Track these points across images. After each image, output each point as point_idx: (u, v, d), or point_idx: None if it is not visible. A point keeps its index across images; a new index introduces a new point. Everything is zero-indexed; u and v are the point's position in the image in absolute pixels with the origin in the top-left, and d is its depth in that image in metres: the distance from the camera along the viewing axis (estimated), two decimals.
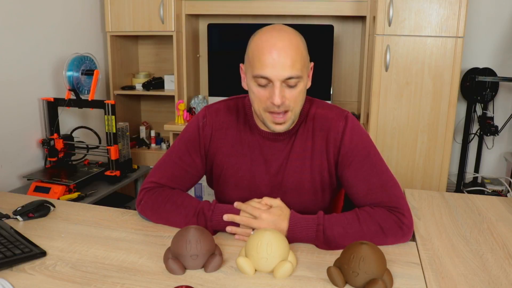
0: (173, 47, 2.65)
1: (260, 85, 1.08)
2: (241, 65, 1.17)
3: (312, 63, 1.17)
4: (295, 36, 1.08)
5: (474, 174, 2.86)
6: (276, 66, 1.03)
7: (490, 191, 2.67)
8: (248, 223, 1.10)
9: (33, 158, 2.14)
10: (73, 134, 2.24)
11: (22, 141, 2.07)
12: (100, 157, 2.25)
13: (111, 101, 2.04)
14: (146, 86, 2.81)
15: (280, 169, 1.22)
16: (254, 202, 1.14)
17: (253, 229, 1.10)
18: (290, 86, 1.07)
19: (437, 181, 2.42)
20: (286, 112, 1.09)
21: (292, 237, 1.08)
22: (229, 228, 1.12)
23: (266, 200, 1.13)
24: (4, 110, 1.96)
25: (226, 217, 1.12)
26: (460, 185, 2.65)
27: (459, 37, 2.24)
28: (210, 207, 1.14)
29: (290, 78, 1.05)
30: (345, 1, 2.54)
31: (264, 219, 1.09)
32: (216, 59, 2.74)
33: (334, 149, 1.18)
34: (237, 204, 1.13)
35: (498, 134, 2.61)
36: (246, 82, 1.14)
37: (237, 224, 1.13)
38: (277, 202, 1.13)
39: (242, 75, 1.17)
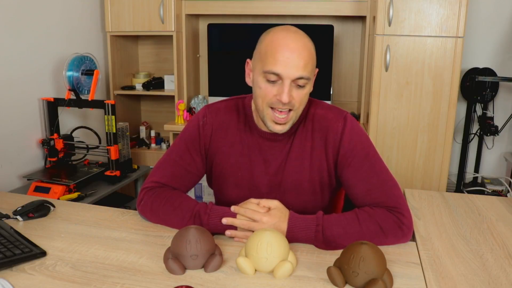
0: (173, 47, 2.65)
1: (268, 81, 1.08)
2: (248, 60, 1.17)
3: (317, 69, 1.18)
4: (309, 40, 1.11)
5: (474, 174, 2.86)
6: (289, 65, 1.05)
7: (490, 191, 2.67)
8: (248, 227, 1.09)
9: (33, 158, 2.14)
10: (73, 134, 2.24)
11: (22, 141, 2.07)
12: (100, 157, 2.25)
13: (111, 101, 2.04)
14: (146, 86, 2.81)
15: (279, 169, 1.22)
16: (252, 205, 1.12)
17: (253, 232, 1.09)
18: (299, 87, 1.08)
19: (437, 181, 2.41)
20: (289, 111, 1.10)
21: (292, 237, 1.08)
22: (228, 232, 1.11)
23: (264, 202, 1.12)
24: (4, 110, 1.96)
25: (225, 220, 1.10)
26: (460, 185, 2.65)
27: (459, 37, 2.24)
28: (206, 210, 1.13)
29: (300, 78, 1.06)
30: (345, 1, 2.54)
31: (265, 222, 1.07)
32: (216, 59, 2.74)
33: (333, 150, 1.18)
34: (234, 209, 1.11)
35: (498, 134, 2.61)
36: (252, 78, 1.14)
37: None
38: (275, 203, 1.12)
39: (247, 71, 1.17)
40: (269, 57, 1.06)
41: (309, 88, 1.12)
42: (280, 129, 1.12)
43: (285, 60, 1.04)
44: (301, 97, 1.10)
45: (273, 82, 1.08)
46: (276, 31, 1.10)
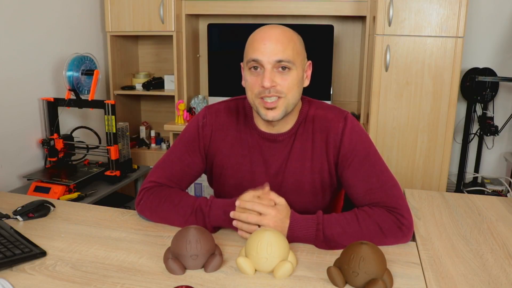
0: (173, 47, 2.65)
1: (252, 72, 1.10)
2: (241, 64, 1.18)
3: (310, 62, 1.18)
4: (289, 31, 1.12)
5: (474, 174, 2.86)
6: (267, 50, 1.08)
7: (490, 191, 2.67)
8: (255, 221, 1.06)
9: (33, 158, 2.14)
10: (73, 134, 2.24)
11: (22, 141, 2.07)
12: (100, 157, 2.25)
13: (111, 101, 2.04)
14: (146, 86, 2.81)
15: (280, 170, 1.22)
16: (256, 198, 1.09)
17: (259, 226, 1.07)
18: (282, 72, 1.09)
19: (437, 181, 2.41)
20: (278, 98, 1.10)
21: (292, 236, 1.08)
22: (235, 222, 1.09)
23: (273, 195, 1.10)
24: (4, 110, 1.96)
25: (232, 214, 1.09)
26: (460, 185, 2.65)
27: (459, 37, 2.24)
28: (207, 203, 1.14)
29: (280, 61, 1.07)
30: (345, 1, 2.53)
31: (274, 216, 1.06)
32: (216, 59, 2.74)
33: (334, 150, 1.18)
34: (240, 204, 1.08)
35: (498, 134, 2.61)
36: (244, 77, 1.16)
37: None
38: (282, 200, 1.11)
39: (243, 74, 1.18)
40: (249, 49, 1.11)
41: (296, 74, 1.10)
42: (272, 115, 1.11)
43: (263, 46, 1.08)
44: (287, 83, 1.09)
45: (256, 71, 1.10)
46: (257, 29, 1.14)
